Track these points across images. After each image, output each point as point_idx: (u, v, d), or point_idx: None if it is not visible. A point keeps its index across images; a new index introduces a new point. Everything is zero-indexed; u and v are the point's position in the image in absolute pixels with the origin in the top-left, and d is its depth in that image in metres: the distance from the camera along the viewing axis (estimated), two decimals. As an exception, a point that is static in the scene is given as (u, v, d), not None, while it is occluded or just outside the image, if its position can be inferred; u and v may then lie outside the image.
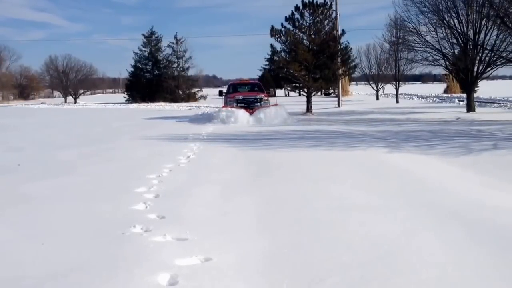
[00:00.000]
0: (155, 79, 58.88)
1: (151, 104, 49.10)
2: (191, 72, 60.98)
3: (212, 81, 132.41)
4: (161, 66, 60.12)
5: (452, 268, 3.94)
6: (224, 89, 25.37)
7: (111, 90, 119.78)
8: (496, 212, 5.56)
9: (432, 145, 11.47)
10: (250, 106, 20.74)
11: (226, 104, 21.94)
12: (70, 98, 68.62)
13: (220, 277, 3.88)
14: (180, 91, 58.51)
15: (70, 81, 69.89)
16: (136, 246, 4.65)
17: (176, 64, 59.96)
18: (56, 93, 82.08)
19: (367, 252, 4.36)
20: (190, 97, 57.98)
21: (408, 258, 4.19)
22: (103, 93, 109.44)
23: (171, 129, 17.62)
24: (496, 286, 3.59)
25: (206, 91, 64.00)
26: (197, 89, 60.56)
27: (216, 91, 77.95)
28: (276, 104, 21.16)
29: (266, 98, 21.41)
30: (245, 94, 21.88)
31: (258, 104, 20.91)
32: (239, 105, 20.82)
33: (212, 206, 6.21)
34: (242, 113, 19.76)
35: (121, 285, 3.70)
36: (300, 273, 3.93)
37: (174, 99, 55.64)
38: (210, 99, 53.01)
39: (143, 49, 60.04)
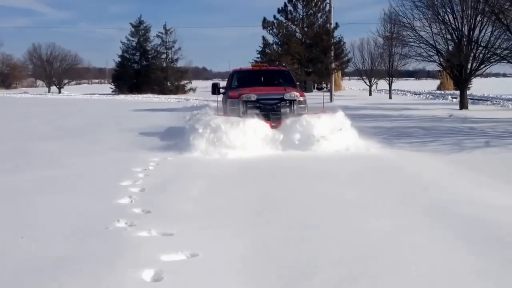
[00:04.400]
0: (143, 70, 58.44)
1: (139, 95, 48.82)
2: (180, 64, 60.57)
3: (201, 73, 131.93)
4: (150, 56, 59.67)
5: (442, 265, 3.97)
6: (222, 82, 16.42)
7: (97, 81, 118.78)
8: (487, 210, 5.60)
9: (425, 142, 11.53)
10: (272, 114, 11.30)
11: (226, 108, 12.02)
12: (54, 88, 67.98)
13: (206, 273, 3.87)
14: (168, 82, 58.13)
15: (54, 70, 69.15)
16: (120, 241, 4.62)
17: (165, 55, 59.53)
18: (39, 82, 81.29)
19: (356, 248, 4.38)
20: (178, 89, 57.65)
21: (398, 255, 4.22)
22: (88, 83, 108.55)
23: (157, 122, 17.53)
24: (485, 284, 3.62)
25: (195, 83, 63.63)
26: (186, 81, 60.19)
27: (206, 83, 76.75)
28: (324, 111, 11.25)
29: (302, 98, 11.65)
30: (263, 91, 11.93)
31: (288, 110, 11.35)
32: (250, 111, 11.17)
33: (198, 201, 6.20)
34: (256, 127, 10.36)
35: (104, 281, 3.68)
36: (287, 269, 3.94)
37: (162, 91, 55.30)
38: (200, 92, 52.79)
39: (131, 38, 59.61)
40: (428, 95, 42.12)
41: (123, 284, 3.64)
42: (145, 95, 48.73)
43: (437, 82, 60.04)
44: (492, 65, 24.76)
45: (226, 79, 14.72)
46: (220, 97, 12.99)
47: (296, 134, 10.21)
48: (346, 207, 5.81)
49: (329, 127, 10.36)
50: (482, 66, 24.58)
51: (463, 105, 24.41)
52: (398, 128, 14.82)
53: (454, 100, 31.51)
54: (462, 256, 4.20)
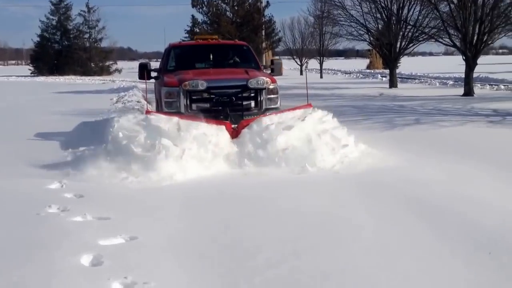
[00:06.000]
0: (64, 50, 56.35)
1: (60, 77, 47.13)
2: (104, 44, 58.88)
3: (127, 54, 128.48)
4: (71, 36, 57.56)
5: (381, 239, 4.20)
6: (153, 63, 12.75)
7: (13, 62, 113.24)
8: (419, 185, 5.91)
9: (358, 121, 11.92)
10: (231, 110, 8.08)
11: (160, 104, 8.85)
12: (-35, 70, 64.17)
13: (147, 255, 3.88)
14: (92, 63, 56.44)
15: (-35, 50, 65.19)
16: (54, 227, 4.53)
17: (88, 35, 57.64)
18: None
19: (297, 226, 4.53)
20: (103, 71, 56.09)
21: (334, 229, 4.42)
22: (4, 65, 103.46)
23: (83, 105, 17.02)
24: (419, 253, 3.88)
25: (120, 64, 62.09)
26: (111, 62, 58.65)
27: (132, 64, 75.03)
28: (310, 105, 7.80)
29: (273, 85, 8.49)
30: (216, 75, 8.73)
31: (254, 103, 8.39)
32: (196, 105, 8.21)
33: (133, 184, 6.14)
34: (207, 132, 6.98)
35: (40, 269, 3.61)
36: (230, 250, 4.01)
37: (86, 72, 53.63)
38: (126, 73, 51.56)
39: (51, 17, 57.15)
40: (358, 74, 43.39)
41: (60, 270, 3.58)
42: (67, 77, 47.11)
43: (366, 61, 61.77)
44: (420, 43, 25.87)
45: (158, 60, 11.14)
46: (152, 85, 10.33)
47: (270, 144, 6.85)
48: (283, 185, 5.96)
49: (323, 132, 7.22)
50: (411, 45, 25.63)
51: (392, 83, 25.36)
52: (331, 107, 15.08)
53: (384, 79, 32.65)
54: (400, 229, 4.46)
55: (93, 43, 57.74)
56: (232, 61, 10.04)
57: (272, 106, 8.34)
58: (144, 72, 9.06)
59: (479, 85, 22.92)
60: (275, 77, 8.89)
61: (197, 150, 6.64)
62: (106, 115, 13.20)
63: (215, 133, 6.99)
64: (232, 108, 8.04)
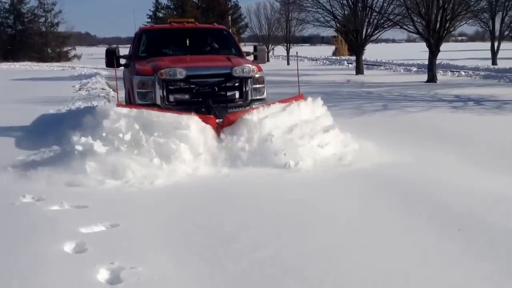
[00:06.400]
0: (18, 35, 54.75)
1: (15, 63, 45.77)
2: (61, 29, 57.48)
3: (85, 39, 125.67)
4: (26, 20, 55.93)
5: (356, 218, 4.40)
6: (123, 49, 10.59)
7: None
8: (390, 168, 6.15)
9: (328, 107, 12.08)
10: (213, 102, 7.40)
11: (132, 95, 7.79)
12: None
13: (130, 242, 3.96)
14: (49, 49, 55.04)
15: None
16: (31, 216, 4.54)
17: (44, 19, 56.15)
18: None
19: (275, 210, 4.68)
20: (61, 56, 54.79)
21: (313, 211, 4.61)
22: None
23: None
24: (392, 230, 4.11)
25: (79, 50, 60.83)
26: (69, 48, 57.38)
27: (91, 50, 73.27)
28: (301, 96, 7.42)
29: (259, 74, 7.77)
30: (195, 63, 7.95)
31: (238, 94, 7.72)
32: (175, 97, 7.46)
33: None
34: (190, 129, 6.38)
35: (23, 257, 3.64)
36: (211, 235, 4.12)
37: (43, 58, 52.23)
38: (85, 59, 50.64)
39: (3, 0, 55.48)
40: (324, 61, 43.80)
41: (44, 258, 3.62)
42: (22, 63, 45.76)
43: (332, 48, 62.31)
44: (386, 30, 26.34)
45: (119, 47, 9.90)
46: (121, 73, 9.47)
47: (260, 141, 6.41)
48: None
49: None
50: (377, 31, 26.06)
51: (359, 70, 25.76)
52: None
53: (350, 65, 33.11)
54: (374, 208, 4.67)
55: (50, 28, 56.31)
56: (211, 47, 9.10)
57: (258, 97, 7.71)
58: (112, 59, 8.02)
59: (441, 71, 23.55)
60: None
61: (179, 150, 6.08)
62: (70, 103, 13.06)
63: (198, 130, 6.39)
64: (214, 100, 7.35)
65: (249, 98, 7.61)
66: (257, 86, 7.71)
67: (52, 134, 8.06)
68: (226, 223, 4.37)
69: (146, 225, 4.34)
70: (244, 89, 7.60)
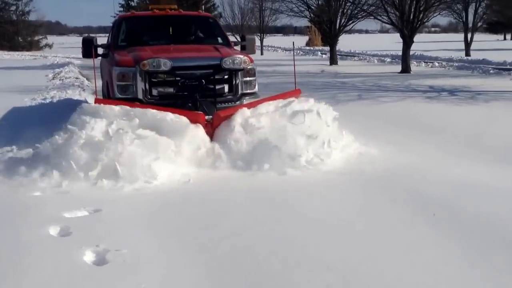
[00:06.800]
0: (-12, 24, 53.79)
1: (-15, 52, 44.98)
2: (32, 17, 56.63)
3: (55, 28, 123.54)
4: (-4, 8, 54.97)
5: (334, 207, 4.58)
6: (102, 38, 10.92)
7: None
8: (366, 157, 6.31)
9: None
10: (201, 96, 6.81)
11: (111, 87, 7.17)
12: None
13: (114, 226, 4.06)
14: (20, 38, 54.19)
15: None
16: (13, 202, 4.59)
17: (15, 7, 55.24)
18: None
19: (250, 198, 4.84)
20: (32, 45, 53.96)
21: (295, 196, 4.77)
22: None
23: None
24: (370, 218, 4.29)
25: (50, 39, 59.90)
26: (40, 37, 56.52)
27: (62, 39, 71.94)
28: (299, 91, 7.15)
29: (251, 66, 7.15)
30: (181, 53, 7.38)
31: (228, 88, 7.11)
32: (159, 90, 6.88)
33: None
34: (175, 128, 5.93)
35: (8, 242, 3.72)
36: (192, 222, 4.22)
37: (13, 47, 51.40)
38: (57, 49, 49.89)
39: (-28, -12, 54.24)
40: (298, 51, 43.94)
41: (30, 241, 3.71)
42: (-8, 52, 44.92)
43: (305, 38, 62.52)
44: (359, 21, 26.58)
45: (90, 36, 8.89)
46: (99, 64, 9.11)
47: (255, 141, 5.89)
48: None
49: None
50: (350, 22, 26.29)
51: (333, 60, 26.00)
52: (275, 84, 15.47)
53: (324, 56, 33.33)
54: (352, 199, 4.85)
55: (21, 16, 55.40)
56: (196, 36, 8.51)
57: (249, 91, 7.13)
58: (90, 49, 7.44)
59: (415, 62, 23.91)
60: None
61: (166, 151, 5.57)
62: (45, 92, 12.98)
63: (186, 129, 5.88)
64: (202, 94, 6.78)
65: (239, 92, 7.04)
66: (248, 79, 7.14)
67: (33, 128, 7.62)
68: (207, 211, 4.47)
69: (128, 211, 4.44)
70: (234, 82, 7.02)
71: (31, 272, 3.25)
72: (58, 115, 7.86)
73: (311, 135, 6.00)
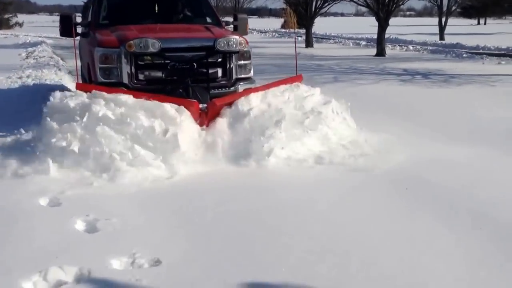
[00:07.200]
0: (-46, 1, 52.40)
1: (-47, 31, 43.92)
2: (0, -5, 55.32)
3: (25, 6, 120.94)
4: (-38, -15, 53.55)
5: (320, 195, 4.82)
6: (78, 15, 7.84)
7: None
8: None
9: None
10: (193, 81, 6.26)
11: (93, 70, 6.52)
12: None
13: (102, 198, 4.22)
14: (-12, 16, 53.04)
15: None
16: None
17: (-18, -16, 53.89)
18: None
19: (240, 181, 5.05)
20: (2, 24, 52.66)
21: (272, 184, 4.99)
22: None
23: None
24: (358, 203, 4.54)
25: (20, 17, 58.66)
26: (10, 15, 55.32)
27: (32, 18, 70.59)
28: (300, 77, 6.61)
29: (247, 48, 6.60)
30: (170, 33, 6.73)
31: (222, 72, 6.53)
32: (146, 74, 6.30)
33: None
34: (165, 116, 5.30)
35: (2, 210, 3.87)
36: (178, 196, 4.36)
37: (-18, 25, 50.35)
38: (28, 27, 49.04)
39: None
40: (274, 34, 44.09)
41: (22, 211, 3.88)
42: (-39, 31, 43.91)
43: (280, 21, 62.48)
44: (335, 3, 26.93)
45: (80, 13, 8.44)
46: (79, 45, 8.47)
47: (256, 132, 5.37)
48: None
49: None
50: (326, 4, 26.57)
51: (308, 43, 26.23)
52: (254, 66, 15.70)
53: (299, 38, 33.49)
54: (339, 184, 5.09)
55: (-11, -6, 54.04)
56: (184, 15, 7.85)
57: (244, 76, 6.61)
58: (69, 27, 6.75)
59: (390, 46, 24.25)
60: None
61: (156, 142, 5.04)
62: (20, 71, 12.90)
63: (177, 120, 5.25)
64: (193, 79, 6.23)
65: (234, 76, 6.51)
66: (243, 62, 6.58)
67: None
68: (191, 187, 4.61)
69: (115, 186, 4.56)
70: (228, 66, 6.46)
71: (25, 239, 3.42)
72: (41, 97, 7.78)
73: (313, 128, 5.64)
